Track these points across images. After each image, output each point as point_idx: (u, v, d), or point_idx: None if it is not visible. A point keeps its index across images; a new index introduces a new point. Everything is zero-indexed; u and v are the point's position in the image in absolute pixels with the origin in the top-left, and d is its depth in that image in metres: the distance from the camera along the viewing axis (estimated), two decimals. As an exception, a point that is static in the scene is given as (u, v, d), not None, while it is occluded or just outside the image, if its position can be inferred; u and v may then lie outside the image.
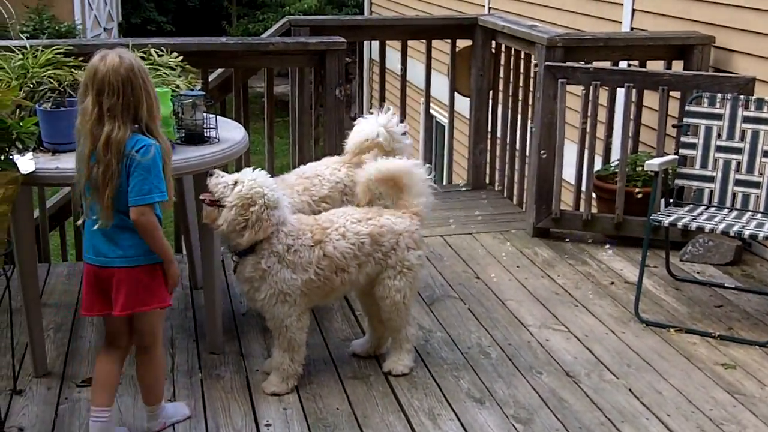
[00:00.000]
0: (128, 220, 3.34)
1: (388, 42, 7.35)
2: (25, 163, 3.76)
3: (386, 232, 4.05)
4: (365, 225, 4.02)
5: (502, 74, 7.06)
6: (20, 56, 4.39)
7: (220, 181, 3.83)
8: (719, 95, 5.05)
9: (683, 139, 5.11)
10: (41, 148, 4.01)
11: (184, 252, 5.36)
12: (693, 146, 5.06)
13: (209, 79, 5.99)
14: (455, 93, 7.34)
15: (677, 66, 6.20)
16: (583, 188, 6.08)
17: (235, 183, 3.81)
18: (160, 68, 4.52)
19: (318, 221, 4.03)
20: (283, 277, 3.87)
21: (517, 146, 6.87)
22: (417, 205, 4.18)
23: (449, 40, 7.32)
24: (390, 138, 4.63)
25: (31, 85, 4.16)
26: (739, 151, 4.96)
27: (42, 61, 4.32)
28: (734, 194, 4.97)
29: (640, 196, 5.77)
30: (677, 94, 5.83)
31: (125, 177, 3.30)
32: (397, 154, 4.61)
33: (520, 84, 6.75)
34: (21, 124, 3.62)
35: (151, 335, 3.60)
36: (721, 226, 4.62)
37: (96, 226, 3.38)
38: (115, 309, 3.41)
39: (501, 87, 7.07)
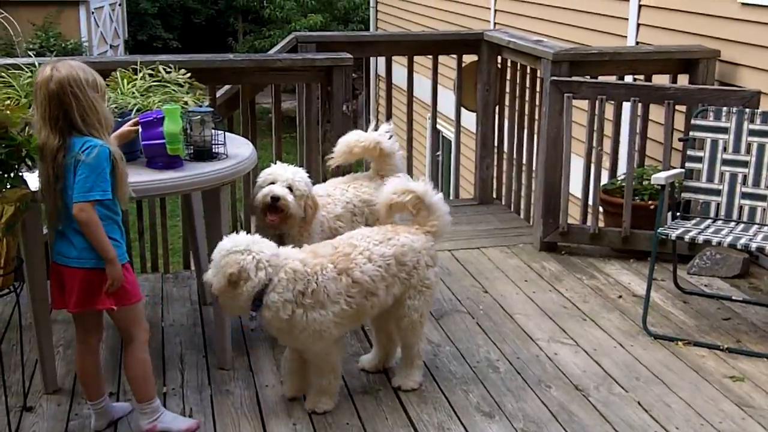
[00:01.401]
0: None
1: (394, 57, 7.38)
2: (35, 180, 3.78)
3: (408, 251, 4.03)
4: (388, 246, 4.00)
5: (508, 89, 7.08)
6: (29, 74, 4.42)
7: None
8: (725, 109, 5.06)
9: (689, 152, 5.12)
10: None
11: (193, 268, 5.38)
12: (699, 160, 5.07)
13: (217, 96, 6.03)
14: (461, 108, 7.36)
15: (683, 80, 6.23)
16: (590, 202, 6.09)
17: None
18: (169, 85, 4.54)
19: (338, 249, 3.95)
20: (312, 317, 3.79)
21: (524, 160, 6.89)
22: (433, 222, 4.18)
23: (455, 56, 7.34)
24: (379, 144, 4.75)
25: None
26: (745, 164, 4.97)
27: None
28: (741, 207, 4.98)
29: (653, 207, 5.77)
30: (683, 107, 5.84)
31: (72, 179, 3.46)
32: (389, 164, 4.80)
33: (527, 98, 6.77)
34: (30, 141, 3.64)
35: (125, 331, 3.78)
36: (728, 239, 4.63)
37: (46, 229, 3.62)
38: (69, 306, 3.62)
39: (507, 102, 7.09)
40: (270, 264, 3.74)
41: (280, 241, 4.44)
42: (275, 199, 4.35)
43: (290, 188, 4.37)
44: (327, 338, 3.87)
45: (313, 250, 3.97)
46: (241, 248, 3.73)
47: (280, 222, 4.40)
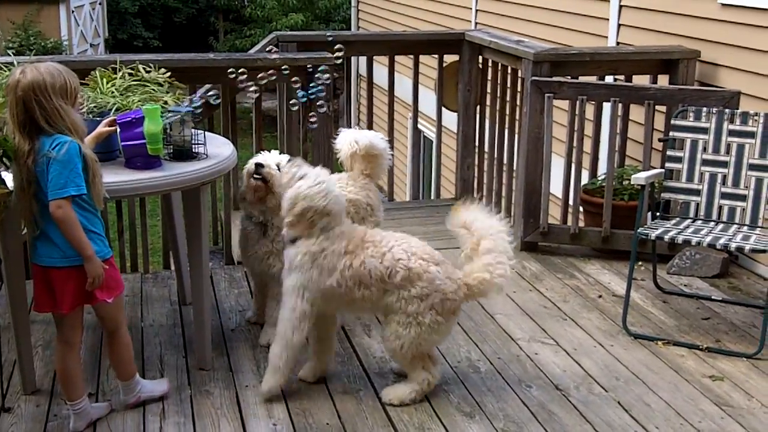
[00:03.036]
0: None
1: (375, 57, 7.38)
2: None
3: (427, 281, 3.92)
4: (413, 260, 3.94)
5: (489, 89, 7.08)
6: (6, 73, 4.38)
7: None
8: (705, 109, 5.08)
9: (669, 152, 5.14)
10: None
11: (173, 268, 5.35)
12: (679, 160, 5.09)
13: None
14: (443, 108, 7.37)
15: (663, 80, 6.25)
16: (571, 202, 6.10)
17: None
18: (148, 84, 4.52)
19: (366, 234, 4.04)
20: (311, 275, 3.96)
21: (505, 160, 6.90)
22: (483, 279, 4.00)
23: (436, 56, 7.35)
24: (371, 145, 4.74)
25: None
26: (724, 164, 4.99)
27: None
28: (720, 207, 5.00)
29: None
30: (663, 108, 5.87)
31: (46, 179, 3.46)
32: (378, 165, 4.82)
33: (507, 98, 6.78)
34: (7, 140, 3.61)
35: (112, 321, 3.83)
36: (708, 239, 4.65)
37: (24, 231, 3.64)
38: (64, 308, 3.61)
39: (488, 102, 7.10)
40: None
41: (264, 230, 4.45)
42: (259, 165, 4.37)
43: (277, 167, 4.39)
44: (307, 302, 3.97)
45: (352, 228, 4.10)
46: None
47: (266, 193, 4.39)
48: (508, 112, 6.80)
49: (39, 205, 3.52)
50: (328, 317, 4.23)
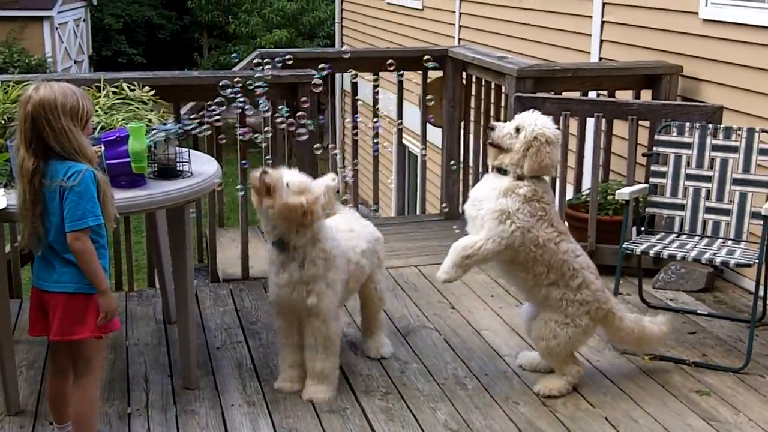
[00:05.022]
0: (64, 247, 3.41)
1: (359, 73, 7.38)
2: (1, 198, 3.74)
3: (591, 290, 4.33)
4: (588, 272, 4.35)
5: (473, 105, 7.10)
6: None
7: (503, 132, 4.28)
8: (688, 124, 5.10)
9: (653, 167, 5.16)
10: (12, 184, 3.98)
11: (158, 286, 5.33)
12: (663, 175, 5.11)
13: (181, 113, 5.99)
14: (427, 123, 7.37)
15: (646, 95, 6.28)
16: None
17: (518, 129, 4.23)
18: (133, 102, 4.52)
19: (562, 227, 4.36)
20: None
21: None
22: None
23: (420, 72, 7.36)
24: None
25: (2, 121, 4.14)
26: (708, 179, 5.01)
27: (13, 97, 4.30)
28: (705, 222, 5.02)
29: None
30: (647, 123, 5.89)
31: (58, 205, 3.38)
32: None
33: (492, 114, 6.80)
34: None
35: (84, 363, 3.59)
36: (693, 254, 4.67)
37: (19, 246, 3.59)
38: (51, 333, 3.51)
39: (473, 117, 7.11)
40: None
41: (284, 247, 4.14)
42: (264, 173, 4.09)
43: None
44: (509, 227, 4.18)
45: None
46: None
47: (269, 196, 4.08)
48: (492, 127, 6.81)
49: (44, 227, 3.43)
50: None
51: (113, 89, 4.59)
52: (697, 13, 6.12)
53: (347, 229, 4.44)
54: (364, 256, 4.44)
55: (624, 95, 6.37)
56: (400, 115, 7.14)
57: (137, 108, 4.48)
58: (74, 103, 3.41)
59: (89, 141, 3.52)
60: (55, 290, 3.47)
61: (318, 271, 4.10)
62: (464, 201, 7.25)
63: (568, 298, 4.26)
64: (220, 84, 4.77)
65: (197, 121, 4.53)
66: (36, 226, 3.43)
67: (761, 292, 4.90)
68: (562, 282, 4.25)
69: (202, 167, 4.39)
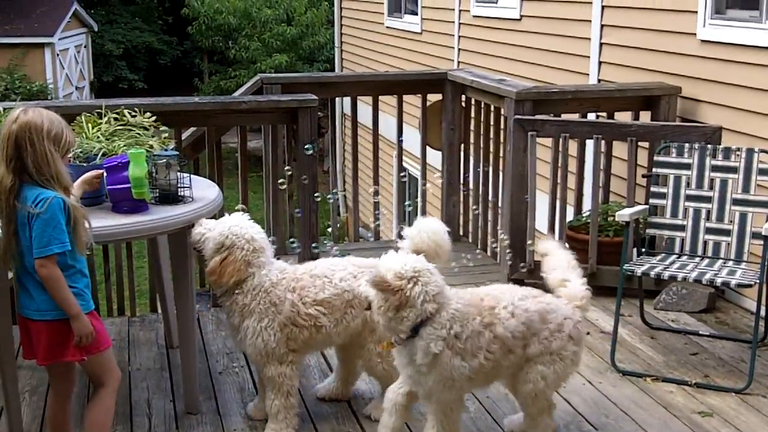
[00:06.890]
0: (36, 275, 3.44)
1: (359, 97, 7.42)
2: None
3: (553, 311, 3.78)
4: (532, 302, 3.78)
5: (472, 127, 7.12)
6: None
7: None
8: (687, 145, 5.12)
9: (653, 188, 5.18)
10: None
11: (160, 311, 5.33)
12: (663, 196, 5.12)
13: (182, 138, 6.02)
14: (427, 146, 7.40)
15: (645, 116, 6.30)
16: (556, 239, 6.11)
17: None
18: (134, 128, 4.54)
19: (483, 301, 3.73)
20: (456, 363, 3.58)
21: (490, 198, 6.92)
22: (582, 296, 3.91)
23: (420, 95, 7.39)
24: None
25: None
26: (708, 199, 5.03)
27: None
28: (705, 242, 5.02)
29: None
30: (646, 144, 5.91)
31: (27, 231, 3.41)
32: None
33: (491, 137, 6.82)
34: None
35: (96, 379, 3.71)
36: (694, 275, 4.67)
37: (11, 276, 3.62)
38: (37, 359, 3.56)
39: (472, 140, 7.13)
40: (436, 298, 3.57)
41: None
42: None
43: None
44: (457, 390, 3.68)
45: (461, 296, 3.73)
46: (408, 275, 3.55)
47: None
48: (492, 150, 6.84)
49: (18, 247, 3.47)
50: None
51: (114, 115, 4.61)
52: (695, 34, 6.15)
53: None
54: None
55: (623, 116, 6.40)
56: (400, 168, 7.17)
57: (138, 134, 4.50)
58: (59, 131, 3.47)
59: (67, 170, 3.54)
60: (36, 318, 3.50)
61: None
62: (464, 224, 7.33)
63: (544, 337, 3.75)
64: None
65: None
66: (10, 242, 3.47)
67: (762, 312, 4.90)
68: (528, 337, 3.75)
69: (204, 192, 4.40)
